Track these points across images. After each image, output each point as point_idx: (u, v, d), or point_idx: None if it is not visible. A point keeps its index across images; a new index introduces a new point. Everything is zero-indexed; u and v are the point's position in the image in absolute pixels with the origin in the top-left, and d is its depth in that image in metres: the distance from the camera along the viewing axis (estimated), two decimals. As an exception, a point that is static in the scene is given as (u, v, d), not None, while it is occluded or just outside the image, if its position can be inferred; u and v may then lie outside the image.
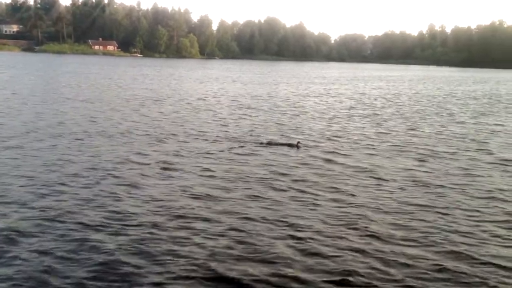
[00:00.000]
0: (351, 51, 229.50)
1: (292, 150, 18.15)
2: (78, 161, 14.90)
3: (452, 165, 16.37)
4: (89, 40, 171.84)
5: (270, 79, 67.73)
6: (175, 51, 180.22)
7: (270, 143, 19.11)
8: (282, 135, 21.38)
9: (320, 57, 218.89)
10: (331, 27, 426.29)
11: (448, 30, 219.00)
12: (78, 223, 9.77)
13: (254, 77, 69.87)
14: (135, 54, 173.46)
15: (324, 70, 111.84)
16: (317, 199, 11.92)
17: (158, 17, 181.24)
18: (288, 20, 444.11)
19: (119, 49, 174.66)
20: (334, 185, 13.23)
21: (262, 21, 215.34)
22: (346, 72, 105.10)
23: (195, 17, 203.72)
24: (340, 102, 37.44)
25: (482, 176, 14.87)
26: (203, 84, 51.76)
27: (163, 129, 21.83)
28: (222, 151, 17.50)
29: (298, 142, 18.98)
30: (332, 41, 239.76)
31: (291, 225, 10.08)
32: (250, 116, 27.40)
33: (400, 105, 36.34)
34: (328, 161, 16.39)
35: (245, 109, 30.68)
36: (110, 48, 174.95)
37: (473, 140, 21.72)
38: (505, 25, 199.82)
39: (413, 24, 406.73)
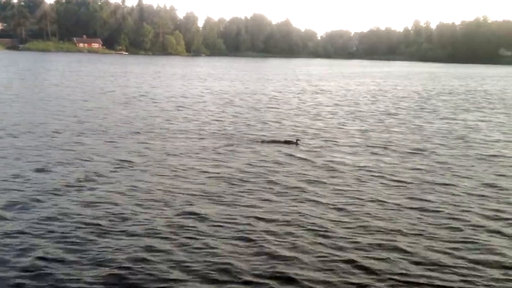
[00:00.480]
0: (337, 48, 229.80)
1: (291, 147, 18.17)
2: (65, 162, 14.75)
3: (436, 160, 16.47)
4: (74, 38, 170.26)
5: (257, 76, 67.71)
6: (161, 49, 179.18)
7: (270, 141, 19.10)
8: (275, 132, 21.38)
9: (306, 53, 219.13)
10: (317, 23, 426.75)
11: (433, 26, 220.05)
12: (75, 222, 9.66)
13: (241, 75, 69.73)
14: (120, 52, 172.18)
15: (310, 67, 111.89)
16: (321, 195, 12.14)
17: (144, 14, 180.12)
18: (274, 17, 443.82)
19: (104, 47, 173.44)
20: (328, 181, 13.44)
21: (249, 18, 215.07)
22: (332, 69, 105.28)
23: (180, 14, 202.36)
24: (326, 99, 37.53)
25: (465, 172, 14.97)
26: (188, 82, 51.54)
27: (163, 128, 21.83)
28: (219, 148, 17.65)
29: (297, 140, 18.95)
30: (319, 38, 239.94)
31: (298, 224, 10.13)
32: (241, 114, 27.42)
33: (384, 102, 36.47)
34: (320, 156, 16.59)
35: (236, 107, 30.59)
36: (95, 45, 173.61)
37: (457, 136, 21.85)
38: (489, 21, 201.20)
39: (398, 21, 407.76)
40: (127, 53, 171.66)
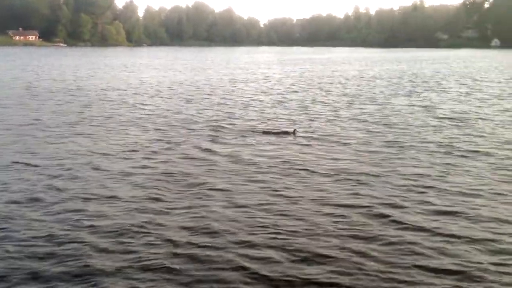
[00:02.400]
0: (280, 35, 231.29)
1: (289, 137, 18.23)
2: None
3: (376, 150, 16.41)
4: (9, 31, 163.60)
5: (202, 65, 67.35)
6: (101, 39, 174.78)
7: (266, 132, 19.10)
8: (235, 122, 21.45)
9: (250, 41, 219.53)
10: (260, 11, 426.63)
11: (372, 12, 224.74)
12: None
13: (188, 63, 69.14)
14: (58, 44, 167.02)
15: (257, 54, 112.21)
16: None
17: (80, 5, 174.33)
18: (216, 5, 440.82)
19: (41, 39, 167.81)
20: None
21: (190, 6, 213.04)
22: (276, 56, 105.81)
23: (119, 4, 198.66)
24: (271, 87, 37.82)
25: (409, 160, 14.99)
26: (131, 73, 50.76)
27: (147, 118, 21.78)
28: (221, 139, 17.79)
29: (295, 130, 18.91)
30: (262, 26, 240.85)
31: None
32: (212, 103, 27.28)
33: (325, 89, 36.98)
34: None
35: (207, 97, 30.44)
36: (32, 38, 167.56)
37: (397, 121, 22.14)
38: (426, 5, 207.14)
39: (339, 7, 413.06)
40: (65, 45, 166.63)
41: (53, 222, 9.64)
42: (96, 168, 13.60)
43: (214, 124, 21.01)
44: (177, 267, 7.87)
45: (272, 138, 17.92)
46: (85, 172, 13.17)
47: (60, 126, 20.39)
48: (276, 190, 11.76)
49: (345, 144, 17.13)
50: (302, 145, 16.95)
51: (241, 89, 36.04)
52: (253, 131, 19.23)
